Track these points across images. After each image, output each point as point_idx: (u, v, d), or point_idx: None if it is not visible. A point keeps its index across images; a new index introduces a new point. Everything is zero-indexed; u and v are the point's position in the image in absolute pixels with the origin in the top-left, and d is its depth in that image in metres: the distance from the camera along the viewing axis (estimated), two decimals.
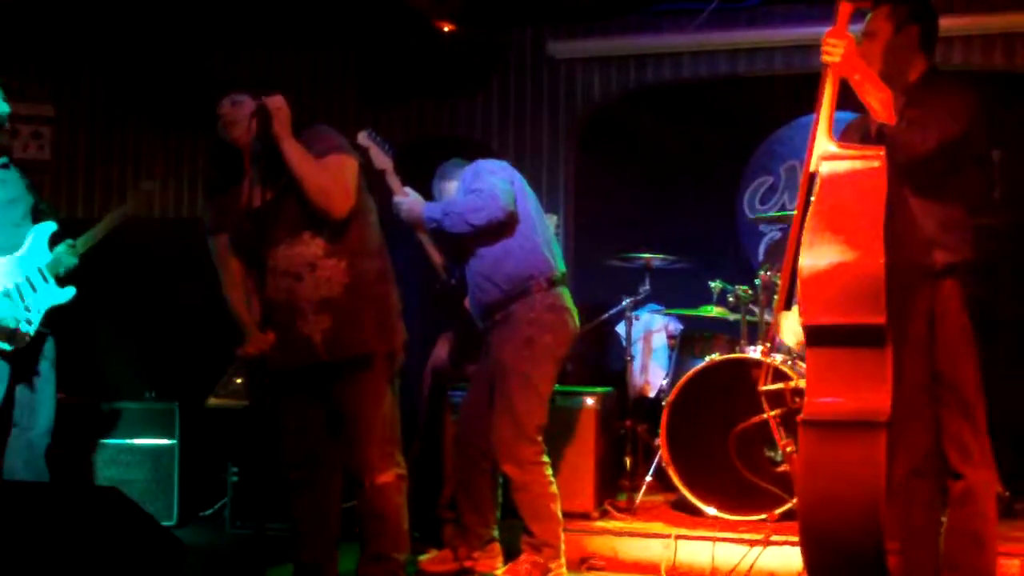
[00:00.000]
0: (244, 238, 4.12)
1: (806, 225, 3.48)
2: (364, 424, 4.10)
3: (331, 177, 4.00)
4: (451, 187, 4.94)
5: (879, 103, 3.60)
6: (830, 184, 3.49)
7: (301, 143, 4.01)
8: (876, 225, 3.39)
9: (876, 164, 3.47)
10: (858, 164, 3.49)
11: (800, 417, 3.43)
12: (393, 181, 4.78)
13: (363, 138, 4.74)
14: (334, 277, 4.04)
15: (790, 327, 5.31)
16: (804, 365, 5.33)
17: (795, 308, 3.55)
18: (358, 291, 4.07)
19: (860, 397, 3.37)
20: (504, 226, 4.65)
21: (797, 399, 3.60)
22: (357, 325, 4.07)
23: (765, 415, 3.83)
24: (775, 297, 5.52)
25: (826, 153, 3.55)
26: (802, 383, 3.60)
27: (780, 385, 4.34)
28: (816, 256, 3.42)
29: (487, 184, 4.65)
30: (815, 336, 3.46)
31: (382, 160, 4.76)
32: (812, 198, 3.52)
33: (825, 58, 3.63)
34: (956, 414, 3.73)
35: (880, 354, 3.38)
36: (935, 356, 3.71)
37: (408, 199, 4.76)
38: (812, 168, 3.57)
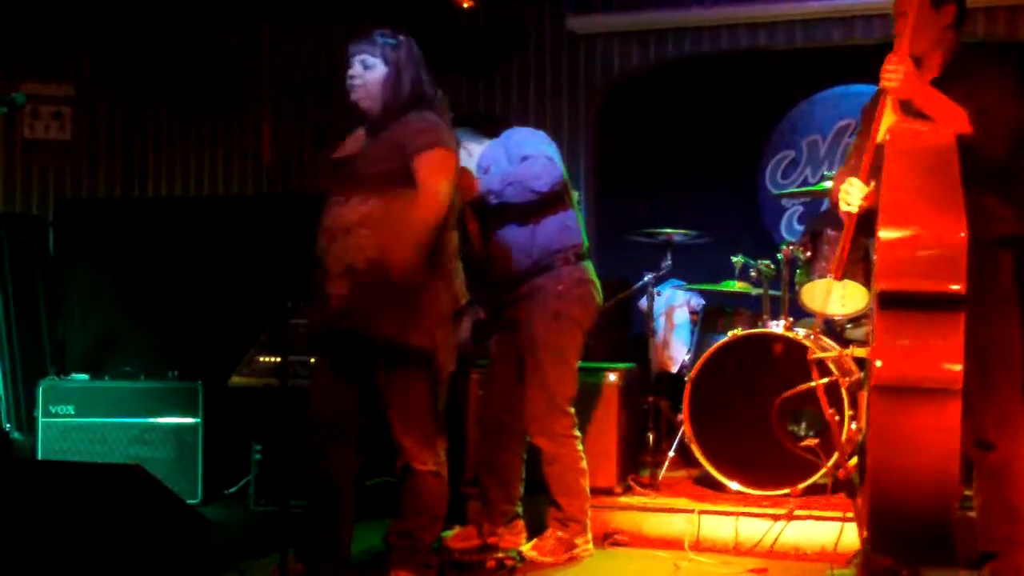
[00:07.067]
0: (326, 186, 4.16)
1: (882, 195, 3.45)
2: (398, 412, 4.07)
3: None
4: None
5: (946, 121, 3.57)
6: (904, 155, 3.48)
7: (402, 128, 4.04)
8: (956, 194, 3.37)
9: (948, 136, 3.47)
10: (931, 136, 3.50)
11: (873, 382, 3.40)
12: None
13: None
14: (364, 246, 3.92)
15: (838, 297, 5.27)
16: (826, 340, 5.36)
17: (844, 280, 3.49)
18: (383, 271, 3.87)
19: (934, 364, 3.32)
20: (554, 194, 4.60)
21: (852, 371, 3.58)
22: (372, 303, 3.92)
23: (813, 383, 3.82)
24: (798, 271, 5.53)
25: (896, 126, 3.55)
26: (847, 351, 3.58)
27: (833, 353, 4.32)
28: (896, 224, 3.39)
29: (538, 151, 4.59)
30: (890, 301, 3.40)
31: None
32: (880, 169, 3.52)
33: (884, 84, 3.63)
34: (1003, 386, 3.69)
35: (955, 322, 3.32)
36: (982, 327, 3.64)
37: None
38: (879, 139, 3.58)
